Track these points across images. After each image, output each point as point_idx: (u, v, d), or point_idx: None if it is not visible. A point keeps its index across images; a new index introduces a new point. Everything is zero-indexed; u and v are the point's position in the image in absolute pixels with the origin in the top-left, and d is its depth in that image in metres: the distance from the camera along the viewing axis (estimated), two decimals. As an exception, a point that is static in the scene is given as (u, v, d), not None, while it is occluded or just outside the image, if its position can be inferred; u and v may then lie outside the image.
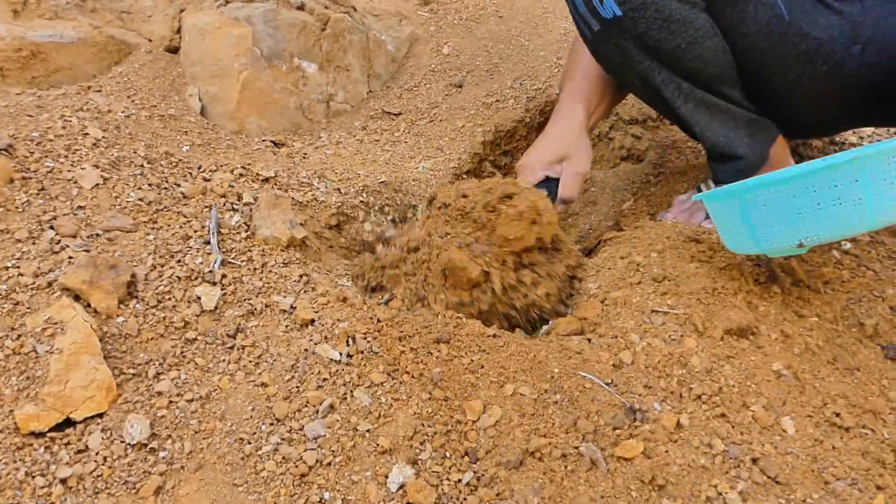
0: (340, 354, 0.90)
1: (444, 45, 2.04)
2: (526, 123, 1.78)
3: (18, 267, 0.92)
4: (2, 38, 1.34)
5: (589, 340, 0.96)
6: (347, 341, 0.92)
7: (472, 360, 0.90)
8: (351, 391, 0.86)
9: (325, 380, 0.87)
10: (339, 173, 1.41)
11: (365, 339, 0.92)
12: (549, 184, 1.35)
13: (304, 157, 1.51)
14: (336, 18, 1.75)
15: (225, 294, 0.99)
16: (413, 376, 0.88)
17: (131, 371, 0.86)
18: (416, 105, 1.81)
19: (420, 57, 2.00)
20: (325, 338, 0.93)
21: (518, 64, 1.93)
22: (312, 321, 0.96)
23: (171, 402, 0.84)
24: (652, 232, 1.28)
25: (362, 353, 0.91)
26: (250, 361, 0.90)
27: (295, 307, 0.99)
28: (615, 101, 1.53)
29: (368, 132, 1.71)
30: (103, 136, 1.23)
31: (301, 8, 1.70)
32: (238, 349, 0.92)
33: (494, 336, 0.95)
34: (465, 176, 1.67)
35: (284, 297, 1.01)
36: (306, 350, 0.91)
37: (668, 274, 1.06)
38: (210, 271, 1.02)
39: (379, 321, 0.95)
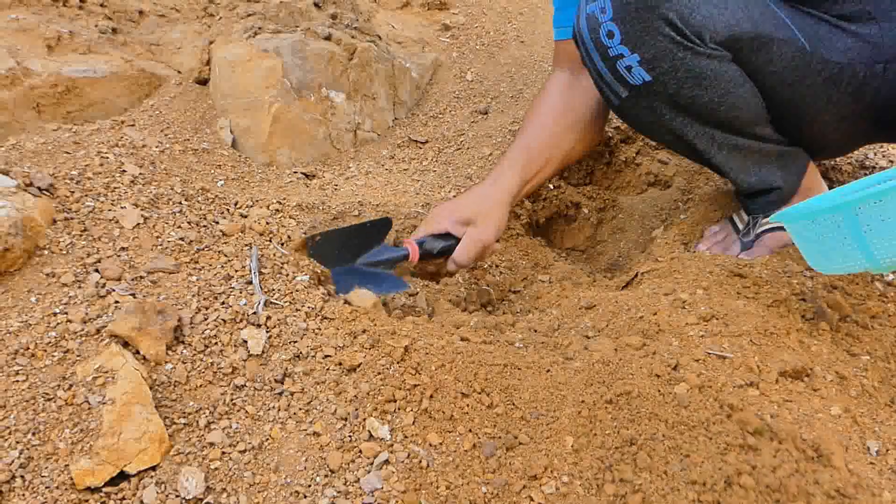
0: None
1: (467, 72, 2.04)
2: (554, 151, 1.77)
3: (66, 313, 0.92)
4: (38, 75, 1.34)
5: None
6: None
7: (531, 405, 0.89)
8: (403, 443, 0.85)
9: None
10: (375, 206, 1.41)
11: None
12: (450, 240, 1.32)
13: (336, 189, 1.50)
14: (363, 48, 1.75)
15: (270, 337, 0.98)
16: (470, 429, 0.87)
17: (182, 420, 0.85)
18: (443, 133, 1.81)
19: (444, 83, 2.01)
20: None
21: (543, 90, 1.93)
22: (360, 365, 0.95)
23: (223, 453, 0.83)
24: (692, 265, 1.27)
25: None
26: (300, 409, 0.89)
27: (342, 348, 0.98)
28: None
29: (396, 161, 1.70)
30: (140, 173, 1.23)
31: (328, 38, 1.71)
32: (287, 395, 0.91)
33: (552, 389, 0.94)
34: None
35: (330, 339, 1.00)
36: (356, 397, 0.90)
37: (716, 312, 1.05)
38: (254, 313, 1.01)
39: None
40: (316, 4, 1.77)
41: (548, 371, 0.97)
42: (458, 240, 1.32)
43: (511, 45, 2.15)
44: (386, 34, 1.96)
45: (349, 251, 1.26)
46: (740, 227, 1.45)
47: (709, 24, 1.11)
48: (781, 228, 1.38)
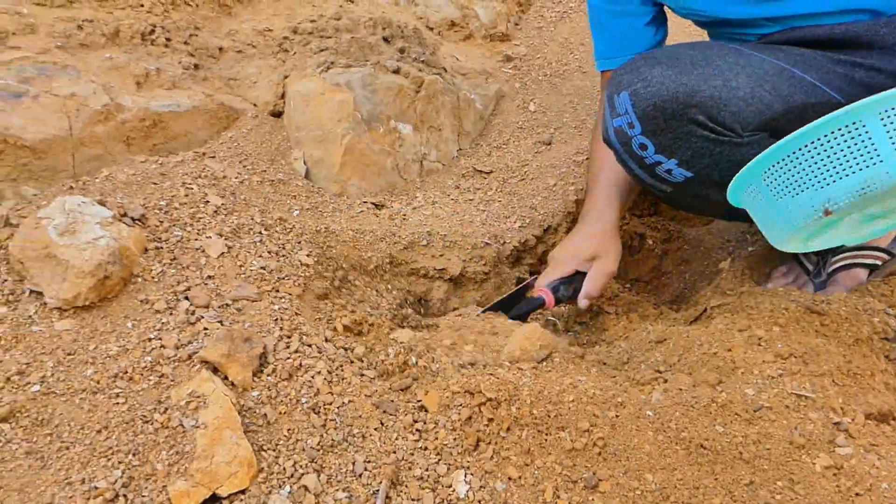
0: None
1: (530, 102, 2.07)
2: (618, 182, 1.78)
3: (160, 339, 0.97)
4: (129, 110, 1.42)
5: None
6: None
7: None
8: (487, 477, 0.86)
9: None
10: (443, 236, 1.43)
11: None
12: (577, 277, 1.42)
13: (405, 219, 1.54)
14: (430, 80, 1.80)
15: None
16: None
17: (268, 446, 0.88)
18: (507, 163, 1.84)
19: (507, 114, 2.03)
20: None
21: (607, 121, 1.94)
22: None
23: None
24: (766, 301, 1.26)
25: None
26: (381, 437, 0.91)
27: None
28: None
29: (461, 191, 1.73)
30: (222, 203, 1.29)
31: (397, 72, 1.76)
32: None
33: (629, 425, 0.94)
34: (557, 232, 1.68)
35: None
36: (433, 426, 0.92)
37: (794, 350, 1.03)
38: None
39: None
40: (385, 39, 1.83)
41: (622, 405, 0.97)
42: (584, 275, 1.42)
43: (573, 76, 2.17)
44: (450, 66, 2.00)
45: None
46: (809, 267, 1.42)
47: (738, 118, 1.09)
48: (855, 265, 1.35)
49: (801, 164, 0.88)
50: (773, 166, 0.90)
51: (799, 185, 0.89)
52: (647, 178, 1.22)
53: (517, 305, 1.41)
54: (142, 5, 1.66)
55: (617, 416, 0.93)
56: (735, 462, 0.87)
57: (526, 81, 2.16)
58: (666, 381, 1.06)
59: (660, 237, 1.83)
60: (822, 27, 1.19)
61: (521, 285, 1.47)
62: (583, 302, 1.41)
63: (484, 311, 1.37)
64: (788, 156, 0.89)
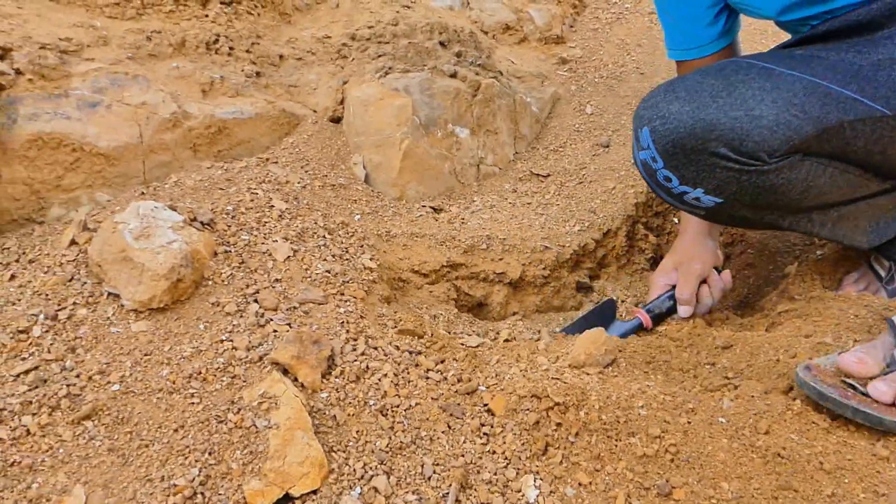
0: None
1: (586, 105, 2.05)
2: (679, 184, 1.74)
3: (232, 340, 0.99)
4: (195, 117, 1.46)
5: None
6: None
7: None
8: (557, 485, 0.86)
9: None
10: (502, 240, 1.43)
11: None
12: (672, 291, 1.40)
13: (463, 223, 1.54)
14: (487, 84, 1.80)
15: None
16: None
17: (338, 447, 0.89)
18: (564, 166, 1.82)
19: (563, 117, 2.02)
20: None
21: (666, 122, 1.91)
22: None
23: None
24: (835, 306, 1.22)
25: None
26: (448, 440, 0.91)
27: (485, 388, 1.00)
28: None
29: (519, 195, 1.73)
30: (286, 208, 1.31)
31: (454, 76, 1.76)
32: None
33: (701, 432, 0.92)
34: (617, 235, 1.65)
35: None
36: (501, 431, 0.92)
37: (871, 357, 0.99)
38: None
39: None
40: (442, 43, 1.83)
41: (693, 411, 0.95)
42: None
43: (631, 77, 2.14)
44: (506, 69, 2.00)
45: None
46: (882, 273, 1.37)
47: (763, 146, 1.05)
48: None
49: None
50: None
51: None
52: (678, 205, 1.21)
53: (611, 327, 1.37)
54: (206, 15, 1.70)
55: (689, 423, 0.91)
56: (815, 472, 0.84)
57: (582, 84, 2.14)
58: (736, 387, 1.04)
59: (722, 241, 1.78)
60: (862, 9, 1.13)
61: (599, 305, 1.45)
62: (681, 310, 1.38)
63: (562, 331, 1.37)
64: None
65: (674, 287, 1.39)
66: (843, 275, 1.45)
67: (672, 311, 1.39)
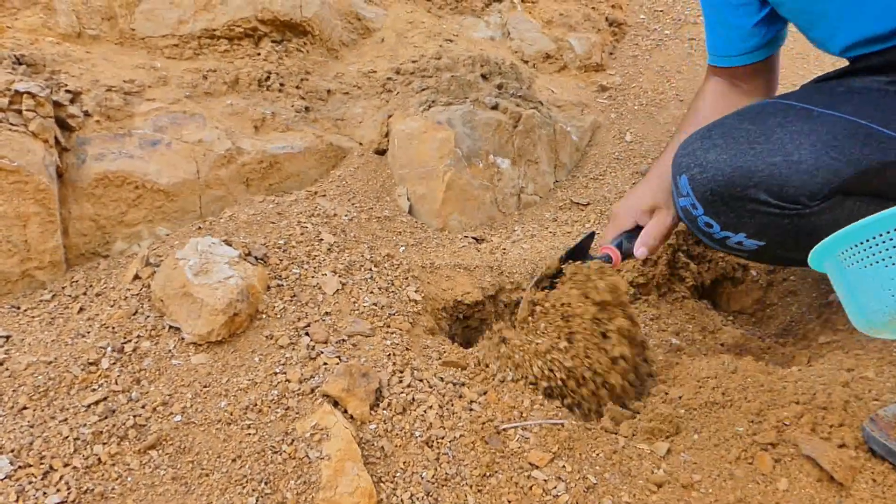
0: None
1: (626, 132, 2.07)
2: (720, 212, 1.75)
3: (285, 373, 1.04)
4: (248, 153, 1.53)
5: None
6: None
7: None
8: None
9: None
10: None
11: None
12: (638, 232, 1.32)
13: (505, 253, 1.57)
14: (527, 115, 1.83)
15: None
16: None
17: (386, 478, 0.93)
18: (604, 194, 1.84)
19: (603, 145, 2.04)
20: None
21: (706, 150, 1.92)
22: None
23: (425, 511, 0.90)
24: (879, 340, 1.21)
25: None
26: (492, 473, 0.94)
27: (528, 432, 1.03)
28: None
29: (559, 223, 1.75)
30: (335, 241, 1.36)
31: (495, 108, 1.81)
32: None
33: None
34: (658, 265, 1.66)
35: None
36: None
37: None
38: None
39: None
40: (483, 76, 1.88)
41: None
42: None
43: (670, 105, 2.16)
44: (546, 99, 2.03)
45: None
46: None
47: (803, 191, 1.05)
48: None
49: (873, 252, 0.79)
50: (847, 250, 0.82)
51: (874, 278, 0.79)
52: (721, 249, 1.21)
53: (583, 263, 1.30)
54: (258, 53, 1.78)
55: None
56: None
57: (622, 111, 2.16)
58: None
59: (764, 268, 1.78)
60: None
61: (585, 236, 1.37)
62: (639, 251, 1.31)
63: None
64: (861, 242, 0.80)
65: (639, 228, 1.33)
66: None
67: (629, 252, 1.33)
